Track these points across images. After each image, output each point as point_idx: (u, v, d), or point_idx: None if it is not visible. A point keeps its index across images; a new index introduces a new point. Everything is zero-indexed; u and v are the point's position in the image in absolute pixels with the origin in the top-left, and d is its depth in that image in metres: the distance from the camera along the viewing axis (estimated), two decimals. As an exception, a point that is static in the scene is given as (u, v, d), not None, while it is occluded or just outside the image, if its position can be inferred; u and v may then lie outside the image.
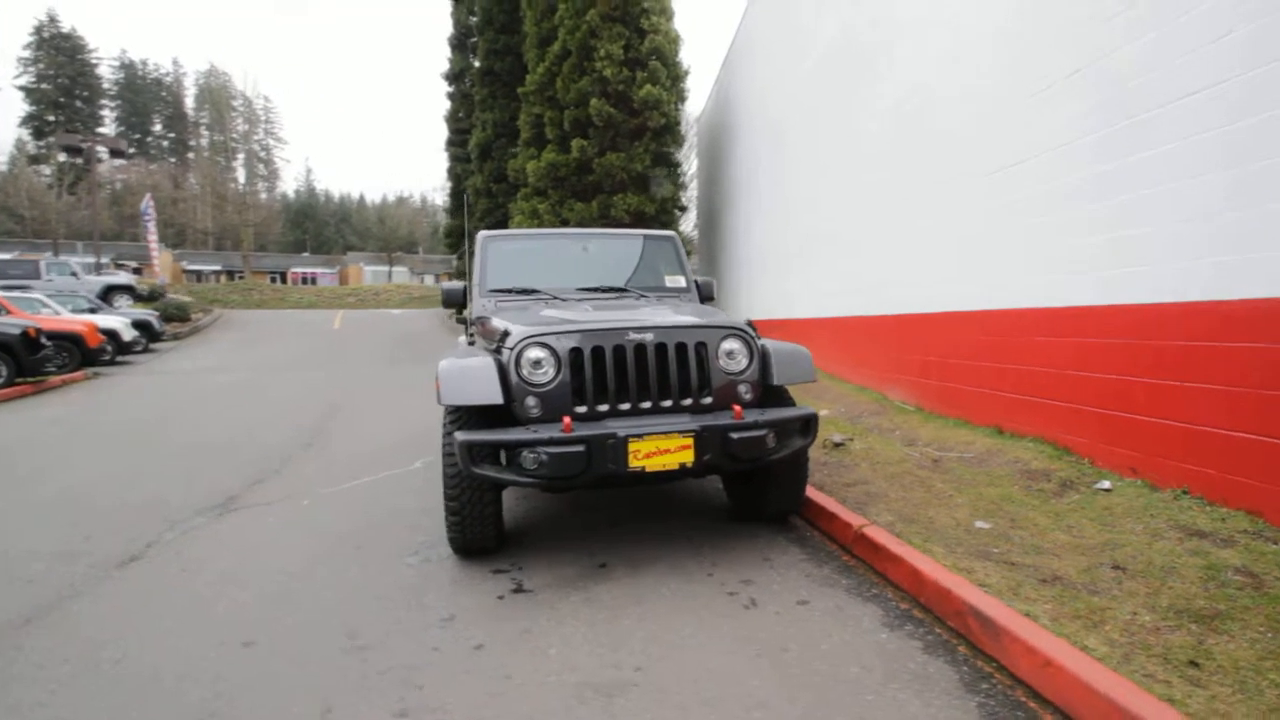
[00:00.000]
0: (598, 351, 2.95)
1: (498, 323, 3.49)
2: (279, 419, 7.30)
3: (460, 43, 20.74)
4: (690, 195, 19.21)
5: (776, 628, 2.40)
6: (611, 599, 2.66)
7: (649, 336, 3.02)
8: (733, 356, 3.13)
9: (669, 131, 14.25)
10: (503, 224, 17.09)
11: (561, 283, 4.26)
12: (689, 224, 21.78)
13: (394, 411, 7.81)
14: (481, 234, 4.33)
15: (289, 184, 59.70)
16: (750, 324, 3.25)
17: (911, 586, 2.58)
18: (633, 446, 2.73)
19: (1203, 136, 3.23)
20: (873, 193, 6.91)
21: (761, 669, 2.12)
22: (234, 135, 48.81)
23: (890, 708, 1.90)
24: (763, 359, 3.18)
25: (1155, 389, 3.51)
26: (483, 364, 2.90)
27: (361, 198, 73.62)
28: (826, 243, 8.27)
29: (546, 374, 2.91)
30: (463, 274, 20.90)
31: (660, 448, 2.76)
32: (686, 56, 14.02)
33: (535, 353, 2.91)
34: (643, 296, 4.21)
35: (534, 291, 4.14)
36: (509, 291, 4.13)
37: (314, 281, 51.92)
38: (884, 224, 6.69)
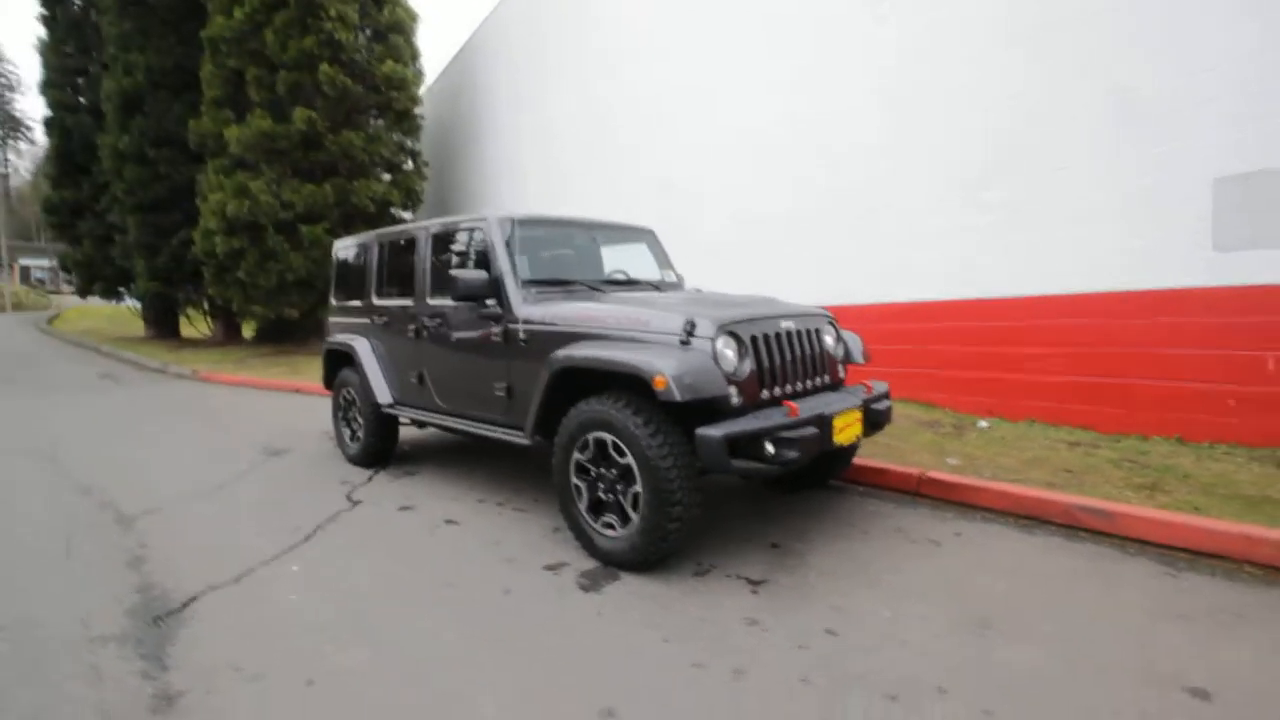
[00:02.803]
0: (766, 339, 3.07)
1: (599, 309, 3.24)
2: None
3: (63, -50, 15.01)
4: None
5: (982, 555, 2.98)
6: (844, 569, 2.86)
7: (791, 325, 3.26)
8: (829, 340, 3.57)
9: (410, 117, 13.10)
10: (176, 199, 13.22)
11: (576, 274, 4.02)
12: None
13: (178, 455, 5.76)
14: (497, 217, 3.75)
15: None
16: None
17: (1007, 505, 3.44)
18: (835, 424, 2.97)
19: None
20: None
21: (1037, 585, 2.69)
22: None
23: (1116, 575, 2.68)
24: (844, 342, 3.69)
25: (1002, 355, 5.16)
26: (699, 357, 2.74)
27: None
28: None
29: (731, 362, 2.90)
30: (85, 263, 15.31)
31: (846, 423, 3.06)
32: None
33: (726, 342, 2.88)
34: (656, 288, 4.26)
35: (567, 283, 3.83)
36: (543, 283, 3.73)
37: None
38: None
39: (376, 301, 4.72)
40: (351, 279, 5.10)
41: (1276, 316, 3.79)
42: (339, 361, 5.19)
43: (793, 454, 2.72)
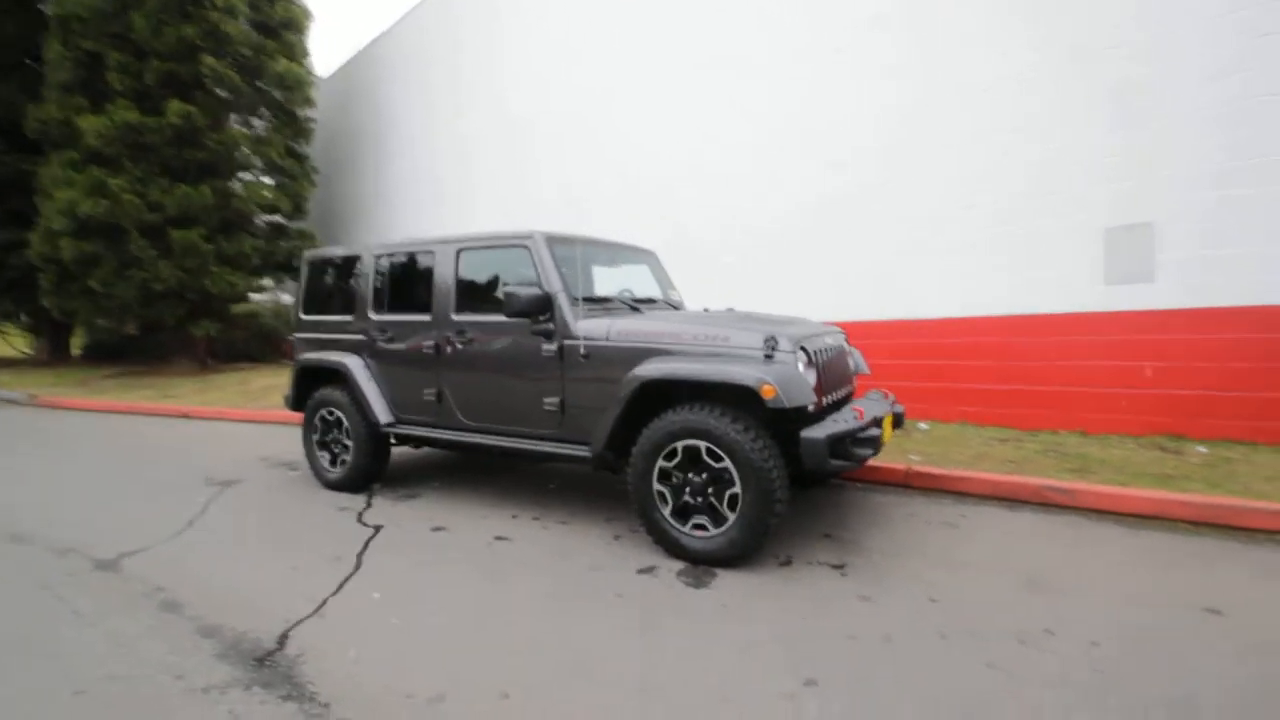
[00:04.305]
0: (820, 353, 3.47)
1: (670, 327, 3.46)
2: None
3: None
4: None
5: (993, 530, 3.57)
6: (898, 550, 3.29)
7: (830, 341, 3.70)
8: (848, 355, 4.07)
9: (301, 119, 12.19)
10: (-1, 197, 11.10)
11: (600, 291, 4.19)
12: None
13: (100, 489, 5.02)
14: (544, 235, 3.82)
15: None
16: (839, 330, 4.22)
17: (990, 489, 4.12)
18: (884, 425, 3.43)
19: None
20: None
21: (1050, 548, 3.30)
22: None
23: (1098, 537, 3.38)
24: (853, 356, 4.21)
25: (933, 367, 6.03)
26: (789, 369, 3.06)
27: None
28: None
29: (804, 373, 3.27)
30: None
31: (886, 426, 3.54)
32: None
33: (800, 356, 3.24)
34: (674, 307, 4.55)
35: (606, 300, 4.00)
36: (590, 301, 3.86)
37: None
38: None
39: (376, 317, 4.51)
40: (335, 294, 4.82)
41: (1151, 335, 4.90)
42: (315, 381, 4.85)
43: (868, 452, 3.13)
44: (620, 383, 3.36)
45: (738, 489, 3.01)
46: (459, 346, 4.08)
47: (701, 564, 3.14)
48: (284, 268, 12.33)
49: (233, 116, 11.50)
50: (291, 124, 11.97)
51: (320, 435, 4.77)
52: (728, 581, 2.98)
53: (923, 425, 5.90)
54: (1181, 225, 4.87)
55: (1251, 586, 2.81)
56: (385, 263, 4.53)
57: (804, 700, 2.05)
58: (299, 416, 4.99)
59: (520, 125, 9.76)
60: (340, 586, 3.04)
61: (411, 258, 4.41)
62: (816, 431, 2.96)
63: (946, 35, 5.96)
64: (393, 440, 4.62)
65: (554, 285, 3.70)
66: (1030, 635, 2.42)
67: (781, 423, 3.14)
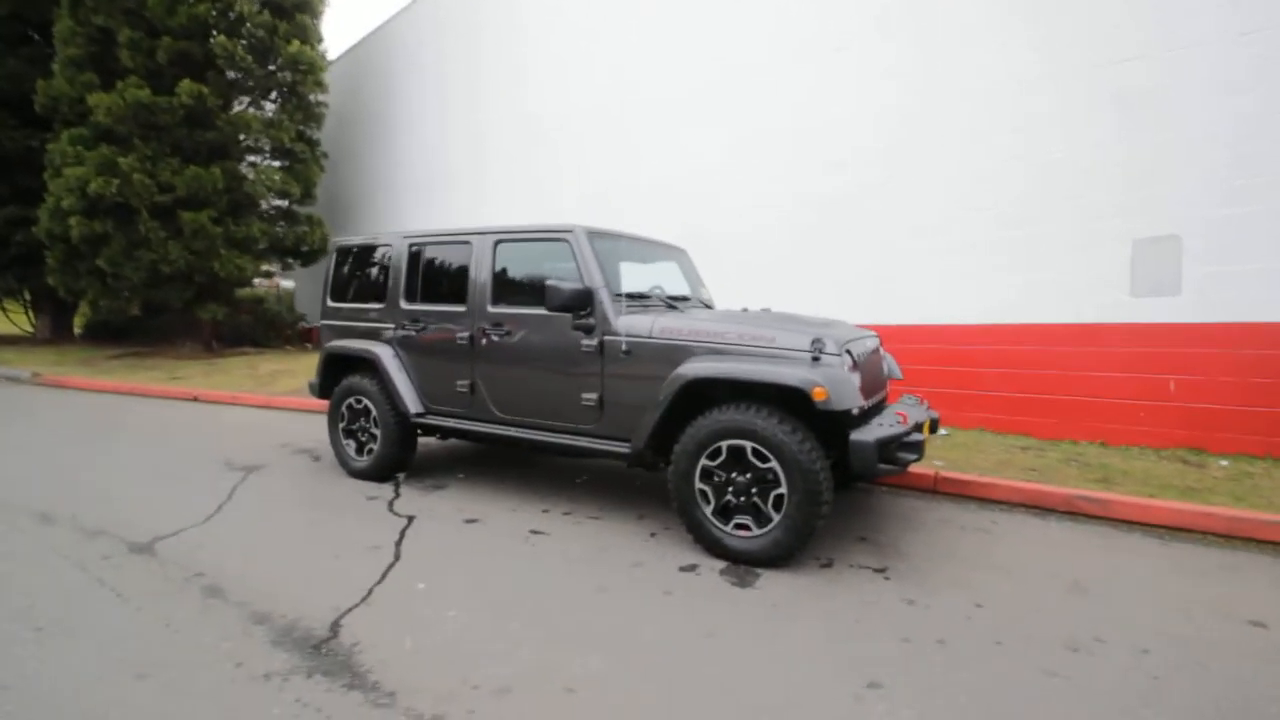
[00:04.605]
0: (862, 356, 3.49)
1: (715, 327, 3.47)
2: None
3: None
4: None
5: (1027, 538, 3.60)
6: (936, 554, 3.31)
7: (868, 344, 3.72)
8: (882, 358, 4.09)
9: (313, 103, 12.08)
10: (3, 169, 10.93)
11: (634, 288, 4.18)
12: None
13: (120, 471, 4.98)
14: (585, 230, 3.81)
15: None
16: (871, 333, 4.24)
17: (1014, 496, 4.15)
18: (924, 429, 3.45)
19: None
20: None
21: (1087, 557, 3.34)
22: None
23: (1131, 547, 3.42)
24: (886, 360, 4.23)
25: (953, 373, 6.06)
26: (838, 371, 3.07)
27: None
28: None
29: (850, 376, 3.28)
30: None
31: (924, 429, 3.56)
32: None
33: (847, 360, 3.25)
34: (706, 305, 4.56)
35: (643, 297, 4.00)
36: (628, 297, 3.86)
37: None
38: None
39: (407, 306, 4.49)
40: (365, 282, 4.79)
41: (1176, 348, 4.95)
42: (342, 368, 4.83)
43: (912, 456, 3.15)
44: (663, 381, 3.36)
45: (783, 490, 3.02)
46: (494, 339, 4.07)
47: (743, 564, 3.16)
48: (292, 252, 12.24)
49: (244, 99, 11.39)
50: (302, 108, 11.86)
51: (346, 423, 4.75)
52: (772, 582, 2.99)
53: (942, 431, 5.93)
54: (1188, 230, 4.92)
55: (1290, 600, 2.85)
56: (418, 252, 4.51)
57: (871, 703, 2.07)
58: (312, 402, 4.98)
59: (537, 112, 9.71)
60: (384, 576, 3.03)
61: (446, 248, 4.39)
62: (865, 435, 2.98)
63: (947, 35, 5.99)
64: (420, 431, 4.61)
65: (595, 280, 3.70)
66: (1081, 642, 2.44)
67: (824, 425, 3.15)
